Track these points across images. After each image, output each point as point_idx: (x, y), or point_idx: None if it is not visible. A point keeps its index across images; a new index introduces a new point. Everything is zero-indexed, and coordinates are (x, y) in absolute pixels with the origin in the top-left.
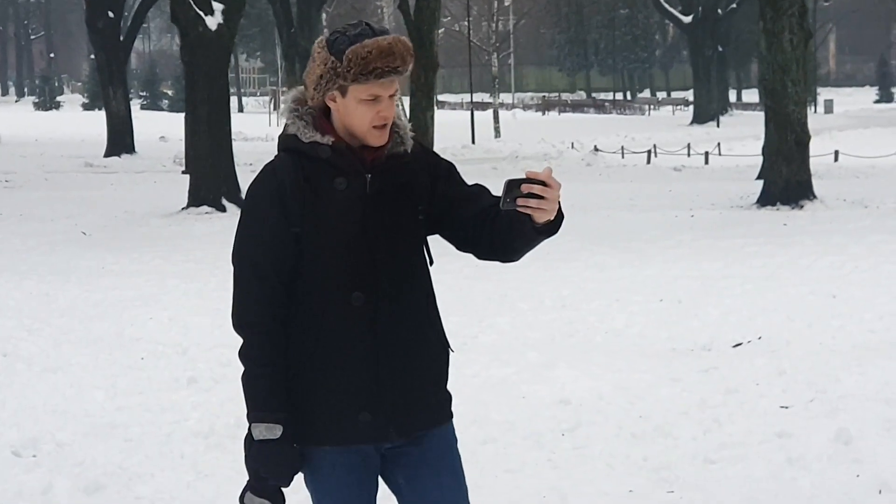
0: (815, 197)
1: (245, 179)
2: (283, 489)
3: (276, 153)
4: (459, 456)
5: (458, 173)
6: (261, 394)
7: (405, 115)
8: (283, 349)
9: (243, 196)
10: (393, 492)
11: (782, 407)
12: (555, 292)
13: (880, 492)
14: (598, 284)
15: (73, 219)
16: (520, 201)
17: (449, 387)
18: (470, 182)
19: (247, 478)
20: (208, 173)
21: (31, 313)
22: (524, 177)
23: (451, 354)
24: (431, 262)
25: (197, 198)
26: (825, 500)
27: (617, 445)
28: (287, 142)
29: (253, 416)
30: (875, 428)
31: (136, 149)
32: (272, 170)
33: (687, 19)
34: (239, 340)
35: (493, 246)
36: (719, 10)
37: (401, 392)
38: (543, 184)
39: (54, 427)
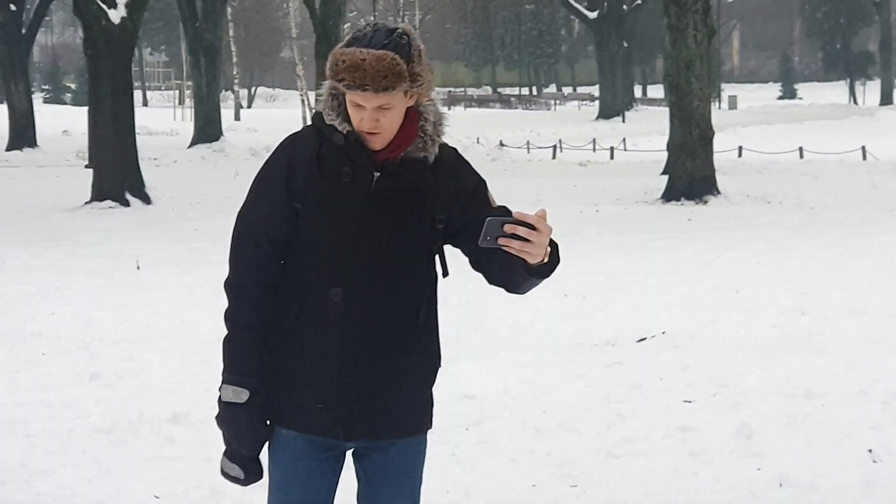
0: (718, 192)
1: (149, 174)
2: (261, 459)
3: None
4: (422, 469)
5: (485, 193)
6: (234, 356)
7: (442, 124)
8: (264, 316)
9: (147, 190)
10: (357, 481)
11: (685, 401)
12: (460, 287)
13: (781, 485)
14: None
15: None
16: (501, 241)
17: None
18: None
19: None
20: (112, 167)
21: None
22: (510, 217)
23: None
24: (445, 274)
25: (100, 192)
26: (727, 494)
27: (521, 440)
28: (315, 117)
29: (224, 377)
30: (776, 422)
31: (39, 143)
32: (291, 141)
33: (592, 15)
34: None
35: (492, 276)
36: (624, 6)
37: (362, 396)
38: (532, 226)
39: None
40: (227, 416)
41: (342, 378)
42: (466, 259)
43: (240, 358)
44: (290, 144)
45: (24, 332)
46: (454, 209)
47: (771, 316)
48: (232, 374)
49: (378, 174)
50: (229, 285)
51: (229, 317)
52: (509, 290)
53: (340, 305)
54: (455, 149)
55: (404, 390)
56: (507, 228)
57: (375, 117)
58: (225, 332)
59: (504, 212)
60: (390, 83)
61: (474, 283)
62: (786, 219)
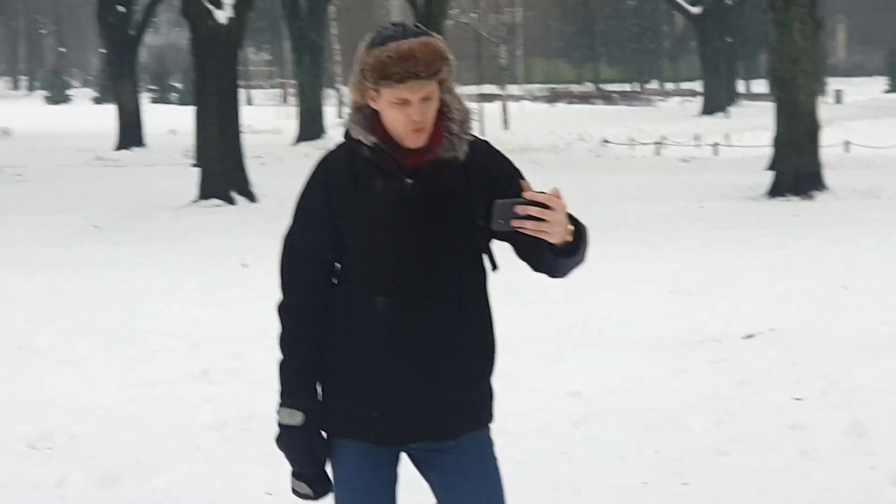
0: (825, 187)
1: (254, 172)
2: (327, 472)
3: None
4: (496, 459)
5: (519, 182)
6: (287, 379)
7: (469, 119)
8: (315, 338)
9: (252, 188)
10: (431, 489)
11: (795, 399)
12: (564, 284)
13: (895, 484)
14: (607, 276)
15: (84, 212)
16: (515, 223)
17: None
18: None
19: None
20: (218, 166)
21: (43, 306)
22: (521, 198)
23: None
24: (495, 268)
25: (206, 191)
26: (839, 493)
27: (629, 437)
28: (346, 134)
29: (280, 401)
30: (889, 420)
31: (146, 142)
32: (325, 160)
33: (695, 10)
34: None
35: (534, 263)
36: (728, 1)
37: (414, 400)
38: (544, 205)
39: (68, 420)
40: (285, 438)
41: (394, 384)
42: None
43: (293, 381)
44: (324, 164)
45: (134, 330)
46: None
47: (880, 312)
48: (286, 396)
49: (410, 181)
50: (279, 309)
51: (280, 339)
52: (550, 274)
53: (386, 313)
54: (487, 141)
55: (457, 388)
56: (519, 209)
57: (422, 109)
58: (280, 355)
59: (499, 202)
60: (439, 66)
61: (578, 280)
62: (894, 213)
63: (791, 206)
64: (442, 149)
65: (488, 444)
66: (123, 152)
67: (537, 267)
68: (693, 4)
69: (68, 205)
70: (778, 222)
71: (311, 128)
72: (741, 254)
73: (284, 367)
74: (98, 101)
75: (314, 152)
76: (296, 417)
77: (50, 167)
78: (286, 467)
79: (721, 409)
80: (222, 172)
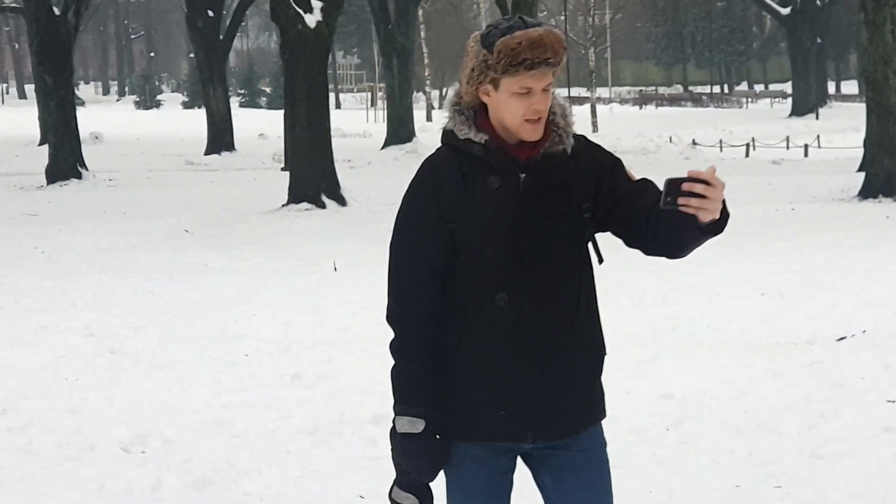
0: None
1: (344, 175)
2: (431, 485)
3: (436, 147)
4: (608, 458)
5: (623, 169)
6: (405, 387)
7: (570, 114)
8: (431, 343)
9: (342, 192)
10: (540, 490)
11: (889, 401)
12: (655, 287)
13: None
14: (699, 279)
15: (176, 216)
16: (681, 200)
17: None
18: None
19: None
20: (308, 170)
21: (136, 311)
22: (686, 176)
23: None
24: (601, 261)
25: (297, 194)
26: None
27: (722, 440)
28: (446, 136)
29: (398, 409)
30: None
31: (236, 146)
32: (430, 164)
33: (785, 11)
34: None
35: (658, 243)
36: (818, 2)
37: (541, 396)
38: (707, 183)
39: (162, 424)
40: (405, 446)
41: (520, 380)
42: (628, 247)
43: (411, 388)
44: (430, 169)
45: (227, 334)
46: (598, 194)
47: None
48: (405, 405)
49: (523, 175)
50: (393, 318)
51: (396, 348)
52: (672, 255)
53: (508, 309)
54: (583, 135)
55: (578, 383)
56: (686, 187)
57: (544, 98)
58: (392, 362)
59: (649, 184)
60: (563, 55)
61: (670, 282)
62: None
63: (883, 207)
64: (551, 143)
65: (603, 441)
66: (213, 156)
67: (659, 249)
68: (783, 5)
69: (159, 209)
70: (870, 224)
71: (399, 131)
72: (833, 256)
73: (402, 375)
74: (188, 105)
75: (403, 155)
76: (417, 425)
77: (141, 172)
78: (379, 470)
79: (814, 412)
80: (312, 176)
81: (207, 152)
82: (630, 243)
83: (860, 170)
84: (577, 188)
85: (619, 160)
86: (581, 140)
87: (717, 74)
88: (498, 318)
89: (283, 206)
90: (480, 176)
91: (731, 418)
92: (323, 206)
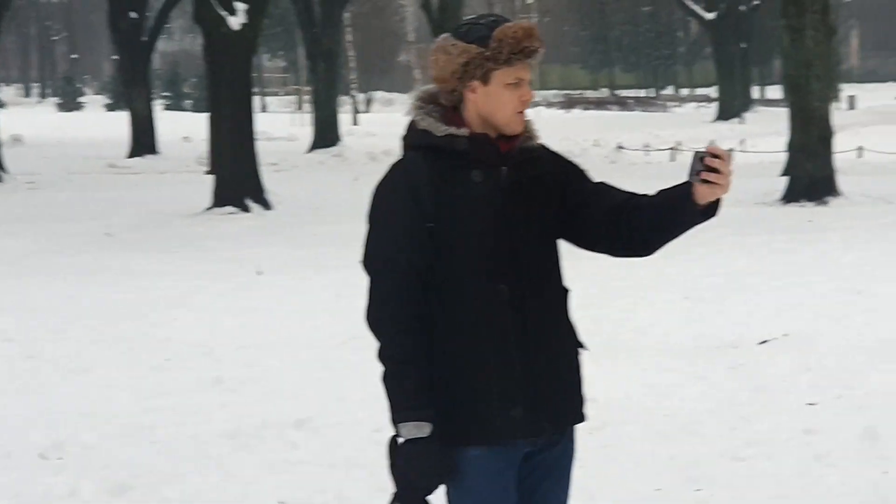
0: (839, 193)
1: (269, 179)
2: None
3: (400, 152)
4: None
5: (586, 172)
6: (406, 392)
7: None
8: (423, 346)
9: (267, 196)
10: (520, 492)
11: (809, 404)
12: (580, 290)
13: None
14: (623, 283)
15: (98, 220)
16: (703, 174)
17: None
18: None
19: None
20: (232, 173)
21: (57, 315)
22: (706, 151)
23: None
24: None
25: (221, 198)
26: (853, 497)
27: (644, 444)
28: (417, 138)
29: (400, 416)
30: None
31: (160, 149)
32: (401, 168)
33: (710, 16)
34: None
35: (631, 238)
36: (742, 7)
37: (551, 385)
38: (721, 159)
39: (81, 429)
40: (413, 453)
41: (528, 375)
42: (589, 252)
43: (411, 393)
44: (403, 172)
45: (148, 338)
46: (566, 195)
47: (894, 317)
48: (407, 410)
49: (505, 168)
50: (379, 322)
51: (388, 355)
52: (646, 250)
53: (510, 301)
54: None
55: (573, 376)
56: (707, 161)
57: (529, 89)
58: (382, 370)
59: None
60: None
61: (595, 286)
62: None
63: (805, 211)
64: (525, 137)
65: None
66: (136, 160)
67: (635, 241)
68: (708, 10)
69: (81, 213)
70: (792, 228)
71: (326, 135)
72: (756, 259)
73: (399, 380)
74: (111, 107)
75: (329, 159)
76: (424, 429)
77: (62, 175)
78: (300, 474)
79: (736, 415)
80: (237, 179)
81: (130, 155)
82: (593, 246)
83: (783, 174)
84: (549, 184)
85: (580, 165)
86: (544, 146)
87: (644, 78)
88: (501, 312)
89: (207, 209)
90: (461, 171)
91: (654, 422)
92: (247, 209)
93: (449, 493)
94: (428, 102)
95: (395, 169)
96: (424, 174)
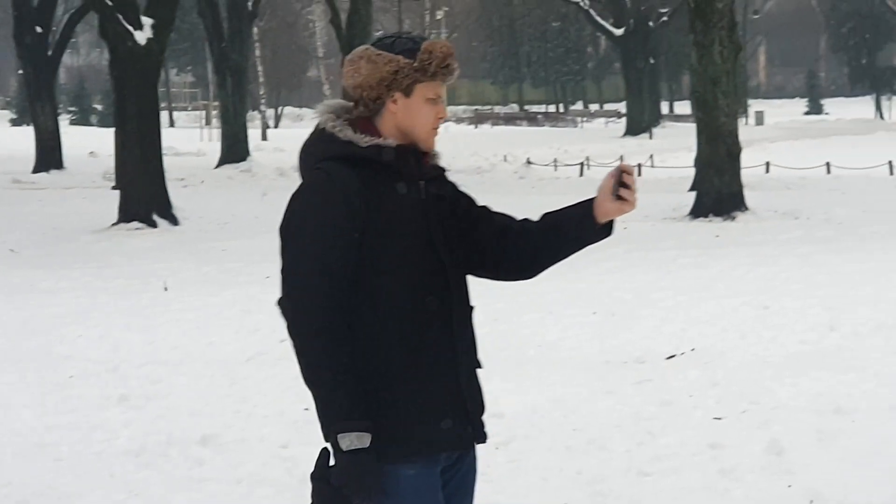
0: (746, 208)
1: (176, 195)
2: None
3: (318, 163)
4: None
5: (473, 197)
6: (344, 402)
7: None
8: (353, 356)
9: (174, 211)
10: None
11: (715, 418)
12: (487, 306)
13: (812, 502)
14: (531, 297)
15: (1, 236)
16: (622, 192)
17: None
18: None
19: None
20: (138, 189)
21: None
22: (620, 169)
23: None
24: None
25: (127, 213)
26: None
27: (551, 459)
28: (340, 148)
29: (339, 427)
30: (807, 438)
31: (65, 164)
32: (329, 177)
33: (619, 32)
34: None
35: (519, 261)
36: (650, 23)
37: (472, 398)
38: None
39: None
40: (353, 465)
41: (455, 388)
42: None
43: (351, 402)
44: (332, 180)
45: (52, 355)
46: (458, 213)
47: (800, 332)
48: (347, 421)
49: (423, 182)
50: (310, 333)
51: (321, 364)
52: (531, 272)
53: (439, 312)
54: None
55: (481, 391)
56: (625, 178)
57: (444, 107)
58: (316, 381)
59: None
60: None
61: (502, 301)
62: (814, 234)
63: (713, 226)
64: (434, 154)
65: None
66: (42, 175)
67: (517, 265)
68: (616, 26)
69: None
70: (700, 243)
71: (234, 150)
72: (664, 274)
73: (336, 392)
74: (16, 122)
75: (237, 174)
76: (364, 440)
77: None
78: (205, 492)
79: (643, 430)
80: (143, 195)
81: (35, 170)
82: (476, 269)
83: (692, 189)
84: (450, 203)
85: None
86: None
87: (553, 94)
88: (432, 323)
89: (113, 225)
90: (386, 183)
91: (561, 436)
92: (154, 225)
93: None
94: (340, 115)
95: (322, 178)
96: (353, 184)
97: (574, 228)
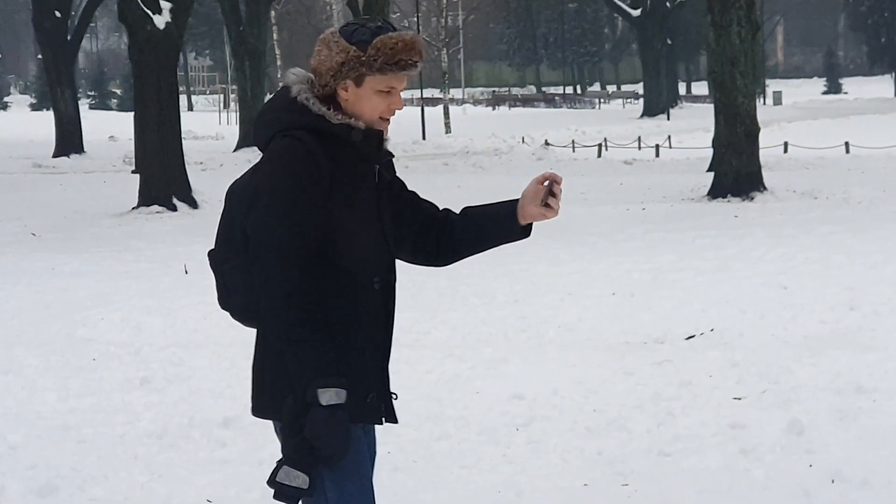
0: (765, 188)
1: (195, 178)
2: None
3: (288, 130)
4: None
5: (405, 182)
6: (324, 358)
7: None
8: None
9: (194, 194)
10: None
11: (735, 398)
12: (507, 287)
13: (833, 481)
14: (551, 279)
15: (23, 220)
16: (550, 200)
17: (404, 383)
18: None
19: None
20: (158, 172)
21: None
22: (551, 178)
23: (400, 350)
24: None
25: (147, 197)
26: (778, 491)
27: (571, 439)
28: (312, 121)
29: (320, 382)
30: (827, 418)
31: (85, 149)
32: (303, 147)
33: (636, 13)
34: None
35: (438, 248)
36: (668, 4)
37: (389, 376)
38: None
39: (6, 430)
40: (331, 420)
41: (383, 363)
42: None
43: (330, 359)
44: (306, 150)
45: (75, 338)
46: (391, 197)
47: (820, 312)
48: (328, 376)
49: (378, 166)
50: (290, 293)
51: (302, 322)
52: (446, 260)
53: (380, 293)
54: None
55: None
56: (555, 189)
57: (400, 98)
58: (295, 339)
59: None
60: (423, 59)
61: (521, 282)
62: (833, 214)
63: (731, 207)
64: (386, 140)
65: None
66: (62, 159)
67: (435, 252)
68: (633, 7)
69: (6, 213)
70: (718, 223)
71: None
72: (682, 255)
73: (316, 349)
74: (36, 107)
75: (256, 158)
76: (342, 395)
77: None
78: (227, 473)
79: (663, 410)
80: (163, 179)
81: (56, 155)
82: (399, 251)
83: (709, 170)
84: (391, 187)
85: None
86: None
87: (570, 75)
88: (374, 301)
89: (133, 208)
90: (350, 161)
91: (581, 417)
92: (174, 208)
93: (337, 469)
94: (310, 89)
95: (296, 145)
96: (322, 158)
97: (497, 227)
